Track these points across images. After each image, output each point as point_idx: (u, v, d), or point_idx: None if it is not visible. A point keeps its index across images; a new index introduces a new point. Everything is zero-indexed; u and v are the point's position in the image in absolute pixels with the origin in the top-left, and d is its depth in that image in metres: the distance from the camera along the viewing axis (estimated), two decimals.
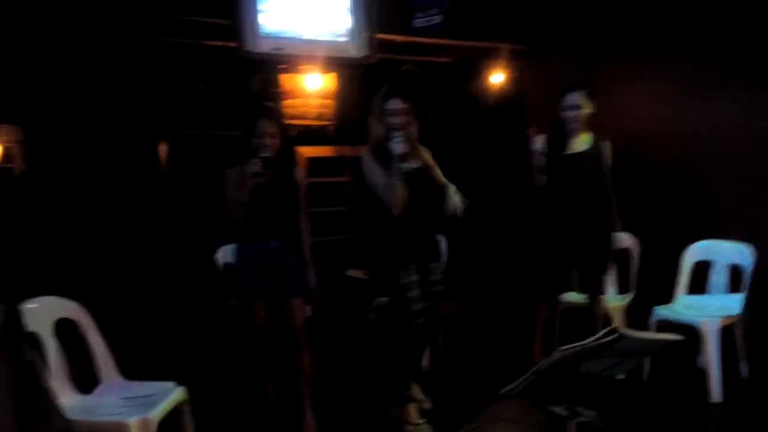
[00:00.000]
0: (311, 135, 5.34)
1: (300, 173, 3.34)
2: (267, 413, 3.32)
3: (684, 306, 3.76)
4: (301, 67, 4.79)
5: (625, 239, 3.97)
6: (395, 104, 3.10)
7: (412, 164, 3.13)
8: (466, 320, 4.95)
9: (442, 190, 3.24)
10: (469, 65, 5.60)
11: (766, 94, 3.79)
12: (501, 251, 5.45)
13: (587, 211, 3.60)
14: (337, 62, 4.62)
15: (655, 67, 4.36)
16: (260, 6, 4.12)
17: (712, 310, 3.62)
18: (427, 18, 4.71)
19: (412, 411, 3.25)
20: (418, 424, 3.21)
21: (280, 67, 4.75)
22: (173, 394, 2.74)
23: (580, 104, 3.55)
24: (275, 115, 3.28)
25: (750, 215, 3.86)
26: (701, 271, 3.84)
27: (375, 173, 3.12)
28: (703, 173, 4.14)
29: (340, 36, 4.42)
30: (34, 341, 2.53)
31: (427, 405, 3.41)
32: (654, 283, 3.96)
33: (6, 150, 4.38)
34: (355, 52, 4.45)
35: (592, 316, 3.70)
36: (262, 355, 3.27)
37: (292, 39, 4.26)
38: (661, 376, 3.72)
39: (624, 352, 2.05)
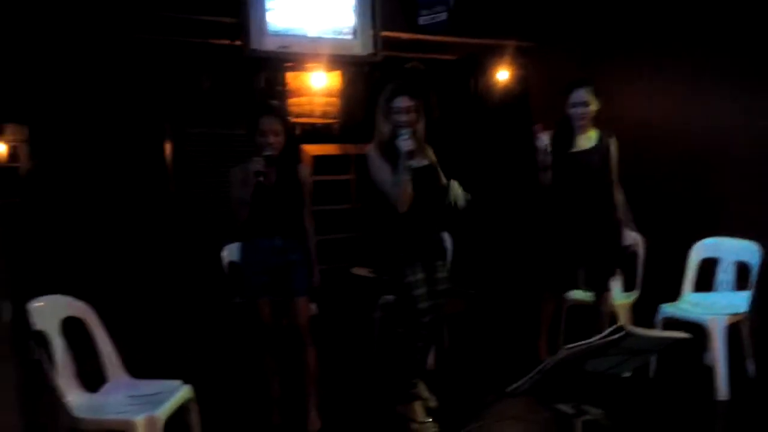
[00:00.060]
0: (316, 133, 5.34)
1: (305, 171, 3.34)
2: (272, 411, 3.33)
3: (690, 304, 3.75)
4: (306, 65, 4.79)
5: (631, 237, 3.95)
6: (402, 102, 3.09)
7: (420, 161, 3.13)
8: (472, 318, 4.95)
9: (446, 189, 3.24)
10: (474, 62, 5.59)
11: None
12: (506, 249, 5.45)
13: (594, 209, 3.59)
14: (342, 60, 4.62)
15: (662, 65, 4.35)
16: (267, 4, 4.12)
17: (718, 307, 3.61)
18: (432, 15, 4.70)
19: (418, 409, 3.25)
20: (424, 422, 3.21)
21: (285, 65, 4.76)
22: (180, 393, 2.74)
23: (586, 101, 3.53)
24: (279, 112, 3.28)
25: (757, 212, 3.84)
26: (708, 268, 3.83)
27: (382, 170, 3.12)
28: (709, 170, 4.12)
29: (345, 34, 4.42)
30: (41, 340, 2.55)
31: (432, 403, 3.41)
32: (660, 280, 3.94)
33: (12, 149, 4.39)
34: (360, 49, 4.45)
35: (597, 314, 3.69)
36: (267, 353, 3.28)
37: (298, 37, 4.26)
38: (667, 373, 3.71)
39: (630, 350, 2.05)
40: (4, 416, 1.86)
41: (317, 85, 5.10)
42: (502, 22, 4.92)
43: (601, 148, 3.58)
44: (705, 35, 4.08)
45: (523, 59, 5.29)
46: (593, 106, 3.55)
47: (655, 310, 3.70)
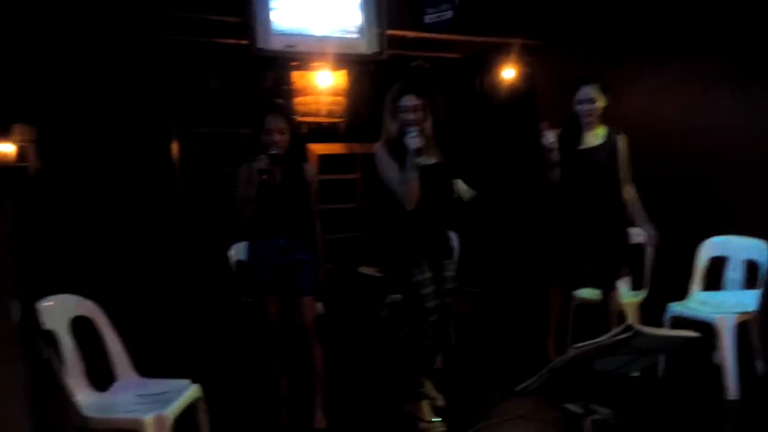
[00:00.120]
0: (322, 132, 5.34)
1: (311, 169, 3.34)
2: (281, 410, 3.34)
3: (699, 302, 3.73)
4: (312, 64, 4.80)
5: (638, 235, 3.94)
6: (409, 100, 3.09)
7: (427, 159, 3.12)
8: (479, 317, 4.94)
9: (452, 187, 3.25)
10: (480, 61, 5.59)
11: None
12: (513, 248, 5.44)
13: (602, 206, 3.58)
14: (348, 59, 4.62)
15: (669, 63, 4.33)
16: (272, 4, 4.13)
17: (727, 306, 3.58)
18: (438, 13, 4.70)
19: (426, 408, 3.25)
20: (432, 421, 3.20)
21: (291, 64, 4.76)
22: (188, 392, 2.75)
23: (593, 98, 3.52)
24: (285, 111, 3.29)
25: (766, 210, 3.82)
26: (716, 266, 3.81)
27: (389, 169, 3.12)
28: (718, 168, 4.10)
29: (351, 32, 4.42)
30: (50, 339, 2.56)
31: (440, 402, 3.41)
32: (668, 279, 3.93)
33: (21, 149, 4.42)
34: (366, 48, 4.46)
35: (605, 312, 3.67)
36: (275, 352, 3.28)
37: (304, 36, 4.27)
38: (676, 373, 3.69)
39: (639, 349, 2.04)
40: (14, 416, 1.87)
41: (323, 84, 5.11)
42: (508, 20, 4.91)
43: (608, 145, 3.57)
44: (714, 33, 4.06)
45: (529, 57, 5.27)
46: (600, 103, 3.54)
47: (663, 309, 3.69)
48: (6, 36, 3.82)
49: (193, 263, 4.67)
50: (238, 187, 3.14)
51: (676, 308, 3.65)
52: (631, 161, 3.62)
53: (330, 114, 5.31)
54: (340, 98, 5.30)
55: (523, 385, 2.01)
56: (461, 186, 3.35)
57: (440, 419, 3.23)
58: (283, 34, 4.20)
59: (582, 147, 3.58)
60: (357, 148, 5.56)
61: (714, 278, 3.81)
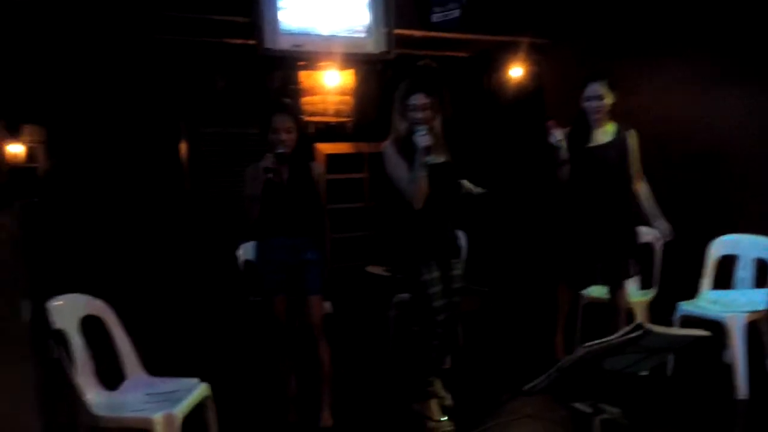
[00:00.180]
0: (330, 131, 5.35)
1: (318, 168, 3.34)
2: (289, 409, 3.34)
3: (709, 301, 3.70)
4: (320, 63, 4.80)
5: (647, 234, 3.92)
6: (418, 99, 3.09)
7: (436, 158, 3.12)
8: (487, 316, 4.93)
9: (460, 186, 3.25)
10: (488, 59, 5.57)
11: None
12: (521, 247, 5.43)
13: (612, 204, 3.56)
14: (355, 58, 4.62)
15: (678, 60, 4.30)
16: (280, 3, 4.14)
17: (737, 305, 3.56)
18: (445, 12, 4.69)
19: (434, 407, 3.25)
20: (440, 421, 3.20)
21: (299, 64, 4.77)
22: (197, 390, 2.76)
23: (601, 94, 3.50)
24: (292, 110, 3.27)
25: None
26: (726, 265, 3.79)
27: (398, 167, 3.11)
28: (728, 166, 4.08)
29: (358, 32, 4.42)
30: (60, 338, 2.57)
31: (448, 401, 3.40)
32: (678, 278, 3.91)
33: (30, 150, 4.44)
34: (373, 47, 4.45)
35: (614, 311, 3.65)
36: (283, 351, 3.29)
37: (311, 36, 4.27)
38: (685, 372, 3.68)
39: (649, 348, 2.03)
40: (25, 415, 1.88)
41: (330, 84, 5.11)
42: (515, 19, 4.90)
43: (618, 142, 3.55)
44: (723, 31, 4.03)
45: (537, 56, 5.26)
46: (608, 100, 3.51)
47: (672, 308, 3.67)
48: (15, 37, 3.85)
49: (201, 263, 4.69)
50: (245, 187, 3.15)
51: (686, 307, 3.63)
52: (639, 157, 3.61)
53: (337, 113, 5.31)
54: (347, 98, 5.30)
55: (532, 384, 2.01)
56: (468, 185, 3.36)
57: (448, 418, 3.22)
58: (291, 34, 4.20)
59: (591, 144, 3.56)
60: (364, 147, 5.56)
61: (724, 277, 3.79)
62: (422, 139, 2.97)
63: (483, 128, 5.68)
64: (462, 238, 3.85)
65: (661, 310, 3.81)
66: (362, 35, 4.43)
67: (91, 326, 2.80)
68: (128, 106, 4.51)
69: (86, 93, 4.36)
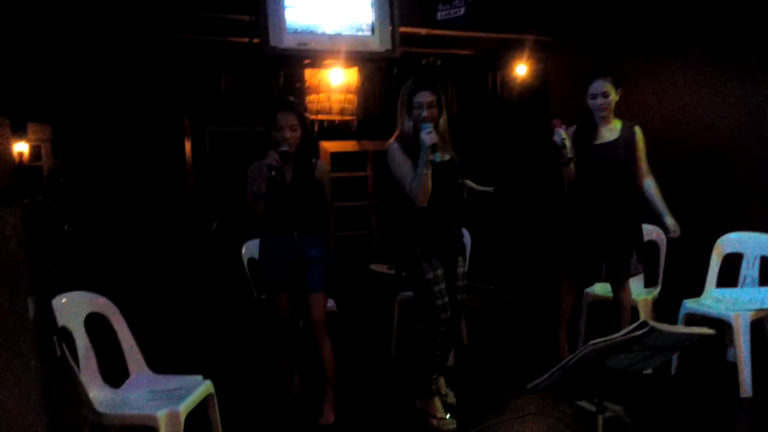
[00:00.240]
0: (334, 130, 5.35)
1: (323, 166, 3.34)
2: (292, 406, 3.35)
3: (714, 299, 3.69)
4: (324, 62, 4.80)
5: (652, 232, 3.91)
6: (424, 97, 3.08)
7: (442, 156, 3.11)
8: (491, 314, 4.93)
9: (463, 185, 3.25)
10: (493, 57, 5.57)
11: None
12: (525, 245, 5.42)
13: (618, 201, 3.55)
14: (360, 56, 4.62)
15: (683, 58, 4.29)
16: (285, 2, 4.14)
17: (742, 303, 3.55)
18: (451, 10, 4.68)
19: (438, 405, 3.25)
20: (443, 418, 3.20)
21: (304, 62, 4.77)
22: (201, 388, 2.77)
23: (606, 91, 3.49)
24: (296, 108, 3.27)
25: None
26: (732, 263, 3.77)
27: (403, 165, 3.11)
28: (733, 164, 4.06)
29: (363, 30, 4.41)
30: (65, 336, 2.58)
31: (452, 399, 3.40)
32: (683, 275, 3.90)
33: (36, 148, 4.46)
34: (378, 46, 4.44)
35: (618, 308, 3.65)
36: (286, 348, 3.29)
37: (316, 34, 4.26)
38: (690, 370, 3.67)
39: (653, 346, 2.02)
40: (29, 412, 1.89)
41: (335, 82, 5.12)
42: (520, 17, 4.89)
43: (625, 139, 3.54)
44: (729, 28, 4.02)
45: (542, 54, 5.25)
46: (613, 97, 3.51)
47: (677, 306, 3.65)
48: (21, 36, 3.86)
49: (206, 260, 4.70)
50: (248, 185, 3.15)
51: (691, 305, 3.62)
52: (647, 153, 3.59)
53: (342, 112, 5.32)
54: (352, 96, 5.31)
55: (536, 382, 2.00)
56: (470, 184, 3.35)
57: (451, 416, 3.22)
58: (296, 32, 4.20)
59: (598, 142, 3.55)
60: (369, 145, 5.56)
61: (729, 275, 3.77)
62: (428, 136, 2.97)
63: (488, 126, 5.67)
64: (466, 235, 3.84)
65: (666, 308, 3.81)
66: (367, 33, 4.42)
67: (96, 324, 2.82)
68: (133, 105, 4.53)
69: (91, 91, 4.37)
